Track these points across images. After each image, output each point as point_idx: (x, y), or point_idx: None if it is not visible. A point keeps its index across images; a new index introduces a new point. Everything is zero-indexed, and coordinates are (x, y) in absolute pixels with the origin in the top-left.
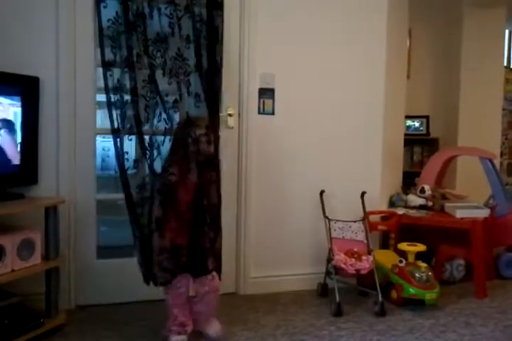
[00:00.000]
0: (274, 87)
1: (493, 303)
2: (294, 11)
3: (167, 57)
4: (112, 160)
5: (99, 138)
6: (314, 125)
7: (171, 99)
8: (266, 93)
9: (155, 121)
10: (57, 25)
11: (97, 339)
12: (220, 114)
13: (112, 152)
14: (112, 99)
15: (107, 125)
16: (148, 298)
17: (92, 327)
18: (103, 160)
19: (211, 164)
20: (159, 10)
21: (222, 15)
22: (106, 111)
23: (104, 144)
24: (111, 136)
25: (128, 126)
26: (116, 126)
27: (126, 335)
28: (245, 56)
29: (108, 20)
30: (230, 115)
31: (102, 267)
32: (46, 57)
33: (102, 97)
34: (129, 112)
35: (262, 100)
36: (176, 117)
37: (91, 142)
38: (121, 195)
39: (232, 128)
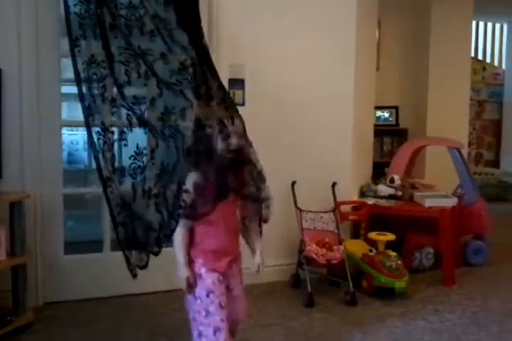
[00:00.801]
0: (244, 77)
1: (461, 290)
2: (263, 1)
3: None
4: (81, 153)
5: (66, 131)
6: (284, 116)
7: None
8: (236, 84)
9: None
10: (19, 15)
11: (65, 337)
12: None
13: (81, 145)
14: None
15: (74, 117)
16: (115, 293)
17: (60, 324)
18: (71, 154)
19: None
20: None
21: None
22: (72, 103)
23: (72, 137)
24: (79, 129)
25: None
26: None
27: (93, 332)
28: (214, 47)
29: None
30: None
31: (70, 263)
32: (8, 47)
33: (67, 89)
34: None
35: (232, 91)
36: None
37: (56, 135)
38: (89, 189)
39: None
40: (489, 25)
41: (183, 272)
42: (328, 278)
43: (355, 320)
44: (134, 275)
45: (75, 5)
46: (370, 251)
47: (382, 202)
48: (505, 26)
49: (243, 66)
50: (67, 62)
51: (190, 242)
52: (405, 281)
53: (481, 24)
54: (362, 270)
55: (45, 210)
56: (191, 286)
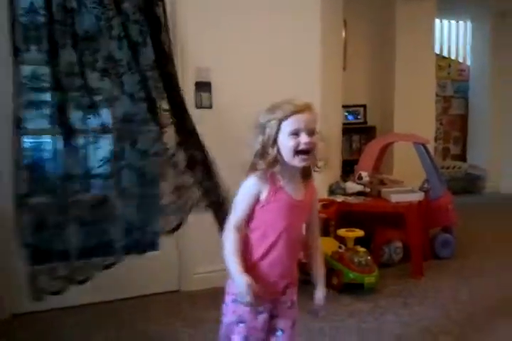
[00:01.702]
0: (211, 80)
1: (430, 283)
2: (226, 4)
3: (98, 52)
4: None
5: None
6: (252, 117)
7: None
8: (202, 87)
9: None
10: None
11: None
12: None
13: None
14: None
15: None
16: (84, 301)
17: (28, 336)
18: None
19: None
20: None
21: (162, 5)
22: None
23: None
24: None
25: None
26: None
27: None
28: (178, 50)
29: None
30: (166, 110)
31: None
32: None
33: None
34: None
35: (199, 94)
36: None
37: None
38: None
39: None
40: (453, 23)
41: (242, 280)
42: (300, 276)
43: (325, 316)
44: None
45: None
46: (340, 247)
47: (351, 199)
48: (468, 24)
49: (209, 69)
50: (26, 69)
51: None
52: (375, 276)
53: (445, 22)
54: (332, 267)
55: (4, 221)
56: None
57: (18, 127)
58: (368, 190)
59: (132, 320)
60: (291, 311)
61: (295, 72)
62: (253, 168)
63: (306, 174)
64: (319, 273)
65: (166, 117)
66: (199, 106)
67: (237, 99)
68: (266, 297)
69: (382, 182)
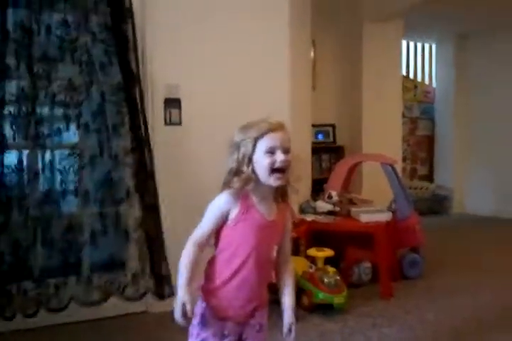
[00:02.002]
0: (180, 96)
1: (399, 303)
2: (196, 20)
3: (54, 70)
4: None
5: None
6: (221, 135)
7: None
8: (172, 103)
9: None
10: None
11: None
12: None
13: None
14: None
15: None
16: (51, 322)
17: None
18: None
19: None
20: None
21: (131, 23)
22: None
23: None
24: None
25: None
26: None
27: None
28: (148, 67)
29: None
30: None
31: None
32: None
33: None
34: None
35: (168, 110)
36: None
37: None
38: None
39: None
40: (419, 44)
41: (181, 295)
42: (270, 296)
43: (295, 337)
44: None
45: None
46: (310, 267)
47: (321, 218)
48: (433, 46)
49: (178, 86)
50: None
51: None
52: (344, 297)
53: (412, 44)
54: (302, 287)
55: None
56: (188, 317)
57: None
58: (337, 209)
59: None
60: (260, 335)
61: (264, 90)
62: (227, 186)
63: (281, 194)
64: (290, 298)
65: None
66: (168, 122)
67: (207, 115)
68: (232, 320)
69: (351, 202)
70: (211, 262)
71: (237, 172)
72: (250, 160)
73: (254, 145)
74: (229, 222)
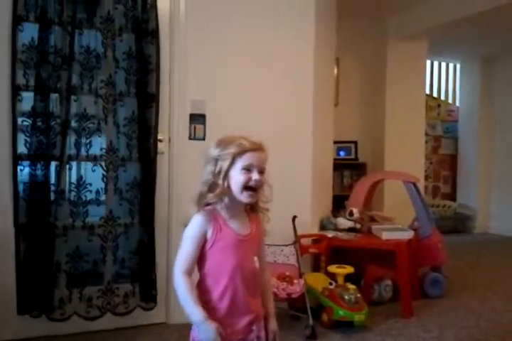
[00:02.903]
0: (205, 112)
1: (419, 322)
2: (223, 39)
3: (93, 83)
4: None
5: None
6: None
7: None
8: (197, 118)
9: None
10: None
11: None
12: (150, 140)
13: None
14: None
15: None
16: (75, 330)
17: None
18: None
19: None
20: (83, 36)
21: (155, 44)
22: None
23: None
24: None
25: (44, 152)
26: (27, 152)
27: None
28: (175, 82)
29: (23, 44)
30: (160, 140)
31: None
32: None
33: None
34: (56, 138)
35: (193, 126)
36: (101, 143)
37: (7, 167)
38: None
39: (163, 153)
40: (443, 64)
41: (207, 327)
42: (289, 312)
43: None
44: None
45: (23, 52)
46: (330, 284)
47: (342, 235)
48: (458, 66)
49: (204, 101)
50: (25, 95)
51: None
52: (364, 314)
53: (436, 63)
54: (322, 304)
55: (2, 246)
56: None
57: (16, 154)
58: (358, 226)
59: None
60: None
61: (288, 106)
62: (201, 200)
63: (251, 208)
64: (270, 305)
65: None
66: (192, 137)
67: (231, 131)
68: (232, 337)
69: (372, 219)
70: (198, 287)
71: (212, 185)
72: (226, 175)
73: (233, 162)
74: (207, 245)
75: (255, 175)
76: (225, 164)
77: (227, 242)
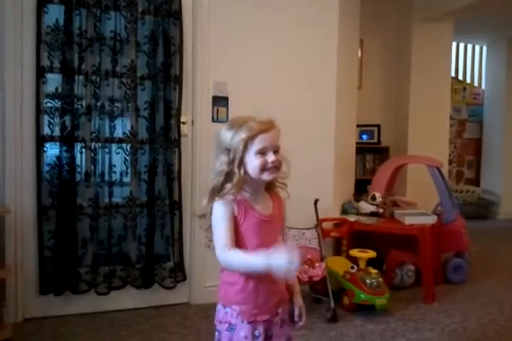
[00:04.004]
0: (228, 95)
1: (441, 308)
2: (246, 20)
3: (117, 65)
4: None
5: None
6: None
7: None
8: (220, 101)
9: (100, 129)
10: (3, 28)
11: None
12: (173, 122)
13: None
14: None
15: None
16: (97, 309)
17: (39, 340)
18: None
19: None
20: (107, 19)
21: (178, 25)
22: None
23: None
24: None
25: (68, 133)
26: (51, 133)
27: None
28: (198, 65)
29: (47, 26)
30: (183, 123)
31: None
32: None
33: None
34: (80, 120)
35: (215, 108)
36: (125, 126)
37: (31, 149)
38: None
39: (186, 135)
40: (469, 46)
41: (276, 259)
42: (311, 294)
43: (335, 337)
44: None
45: (47, 34)
46: (352, 268)
47: (364, 219)
48: (484, 48)
49: (226, 84)
50: (50, 77)
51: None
52: (386, 298)
53: (462, 45)
54: (343, 287)
55: (25, 225)
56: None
57: (39, 135)
58: (380, 210)
59: (144, 329)
60: (283, 330)
61: (311, 89)
62: (218, 190)
63: (269, 186)
64: (293, 282)
65: None
66: (215, 120)
67: (254, 114)
68: (259, 319)
69: (395, 204)
70: (224, 270)
71: (228, 174)
72: (242, 161)
73: (245, 147)
74: (237, 221)
75: (271, 157)
76: (238, 152)
77: (252, 224)
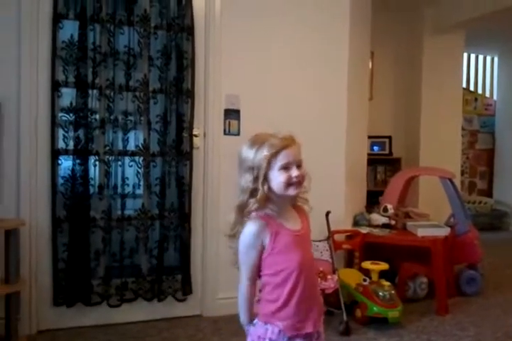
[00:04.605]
0: (240, 108)
1: (454, 320)
2: (257, 35)
3: (130, 79)
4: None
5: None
6: None
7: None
8: (231, 114)
9: (114, 143)
10: (19, 43)
11: None
12: (185, 135)
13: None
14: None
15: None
16: (110, 321)
17: None
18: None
19: None
20: (120, 34)
21: (191, 40)
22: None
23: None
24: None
25: (82, 147)
26: (66, 146)
27: None
28: (210, 78)
29: (62, 41)
30: (195, 136)
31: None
32: (7, 75)
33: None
34: (94, 133)
35: (227, 121)
36: (138, 139)
37: (46, 162)
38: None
39: (198, 148)
40: (480, 57)
41: (253, 329)
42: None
43: None
44: None
45: (62, 49)
46: (364, 280)
47: (376, 231)
48: (495, 59)
49: (238, 97)
50: (64, 91)
51: (262, 300)
52: (399, 311)
53: (473, 56)
54: (356, 299)
55: (39, 238)
56: None
57: (54, 148)
58: (393, 222)
59: None
60: None
61: (323, 101)
62: (244, 207)
63: (292, 201)
64: None
65: None
66: (227, 132)
67: (265, 127)
68: (300, 334)
69: (407, 216)
70: (265, 289)
71: (252, 191)
72: (266, 178)
73: (269, 164)
74: (266, 249)
75: (294, 172)
76: (261, 169)
77: (287, 243)
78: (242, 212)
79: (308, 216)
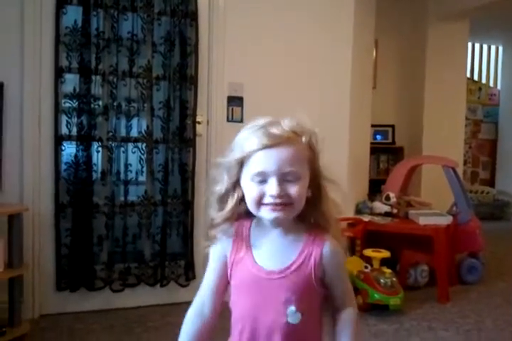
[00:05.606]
0: (243, 95)
1: (455, 308)
2: (261, 21)
3: (134, 65)
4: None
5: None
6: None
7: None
8: (234, 101)
9: (117, 129)
10: (23, 29)
11: None
12: (188, 122)
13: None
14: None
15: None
16: (112, 306)
17: (55, 336)
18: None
19: None
20: (124, 20)
21: (194, 26)
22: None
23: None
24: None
25: (85, 133)
26: (69, 132)
27: None
28: (214, 65)
29: (66, 27)
30: (198, 123)
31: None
32: (10, 61)
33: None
34: (97, 119)
35: (230, 108)
36: (141, 125)
37: (49, 148)
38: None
39: (201, 135)
40: (485, 46)
41: None
42: None
43: None
44: None
45: (66, 35)
46: (366, 267)
47: (378, 219)
48: (500, 48)
49: (242, 84)
50: (68, 77)
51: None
52: (400, 298)
53: (477, 46)
54: (357, 287)
55: (42, 223)
56: None
57: (58, 135)
58: (395, 211)
59: (159, 326)
60: None
61: (326, 89)
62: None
63: (309, 222)
64: None
65: None
66: (230, 119)
67: (268, 114)
68: None
69: (409, 204)
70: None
71: (222, 200)
72: (237, 185)
73: (241, 168)
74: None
75: (272, 188)
76: (231, 172)
77: (240, 278)
78: (211, 228)
79: (320, 253)
